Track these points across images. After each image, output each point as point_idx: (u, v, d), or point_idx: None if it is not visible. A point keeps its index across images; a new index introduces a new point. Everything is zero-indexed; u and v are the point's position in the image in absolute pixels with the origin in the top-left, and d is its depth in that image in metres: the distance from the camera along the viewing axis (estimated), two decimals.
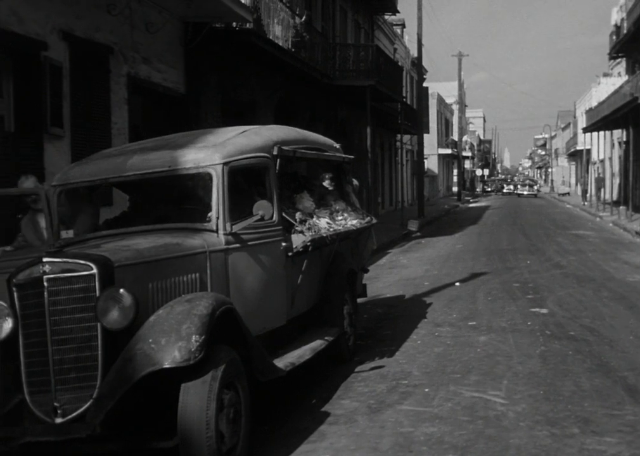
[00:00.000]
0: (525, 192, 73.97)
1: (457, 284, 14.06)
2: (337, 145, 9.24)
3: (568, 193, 71.63)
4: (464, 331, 9.76)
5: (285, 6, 18.83)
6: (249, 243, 6.29)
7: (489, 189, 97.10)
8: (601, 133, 44.53)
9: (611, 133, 45.90)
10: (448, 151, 69.01)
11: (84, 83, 11.53)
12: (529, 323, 10.17)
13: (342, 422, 6.23)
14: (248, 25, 15.67)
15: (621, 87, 33.10)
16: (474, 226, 31.16)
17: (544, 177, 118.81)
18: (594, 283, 13.75)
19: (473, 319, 10.56)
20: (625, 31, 40.07)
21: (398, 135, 41.18)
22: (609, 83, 49.81)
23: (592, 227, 30.02)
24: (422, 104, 37.03)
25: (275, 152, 6.81)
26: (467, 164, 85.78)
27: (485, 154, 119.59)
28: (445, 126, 72.97)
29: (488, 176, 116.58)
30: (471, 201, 62.45)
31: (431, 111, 54.49)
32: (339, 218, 8.26)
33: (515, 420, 6.14)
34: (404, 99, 34.97)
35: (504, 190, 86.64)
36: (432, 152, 60.64)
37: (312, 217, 7.61)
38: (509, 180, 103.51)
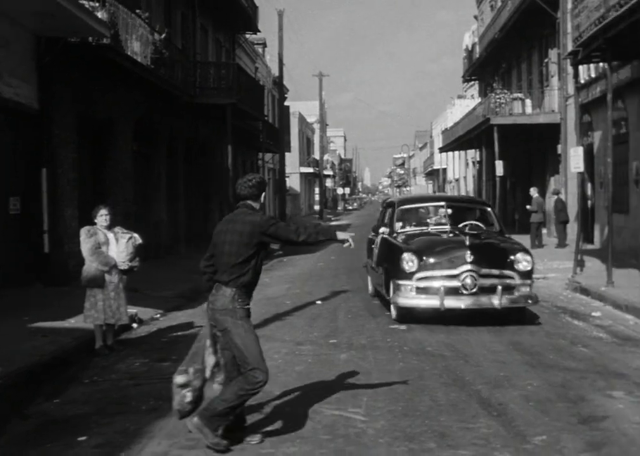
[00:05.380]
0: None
1: (319, 302, 14.16)
2: None
3: None
4: (325, 349, 9.82)
5: (144, 21, 18.55)
6: None
7: (350, 207, 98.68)
8: (456, 153, 46.15)
9: (466, 153, 47.63)
10: (310, 170, 69.77)
11: None
12: (388, 339, 10.35)
13: (201, 446, 6.10)
14: (105, 40, 15.32)
15: (474, 108, 34.43)
16: (335, 244, 31.48)
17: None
18: None
19: (334, 337, 10.65)
20: (477, 56, 41.75)
21: (260, 154, 41.29)
22: (463, 105, 51.74)
23: None
24: (284, 123, 37.31)
25: None
26: (329, 183, 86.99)
27: (346, 173, 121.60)
28: (307, 145, 73.75)
29: (350, 194, 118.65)
30: (332, 219, 63.25)
31: (292, 130, 55.00)
32: None
33: (375, 437, 6.20)
34: (266, 118, 35.12)
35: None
36: (294, 170, 61.11)
37: None
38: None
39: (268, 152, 41.36)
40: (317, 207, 69.52)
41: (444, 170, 67.85)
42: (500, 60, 37.78)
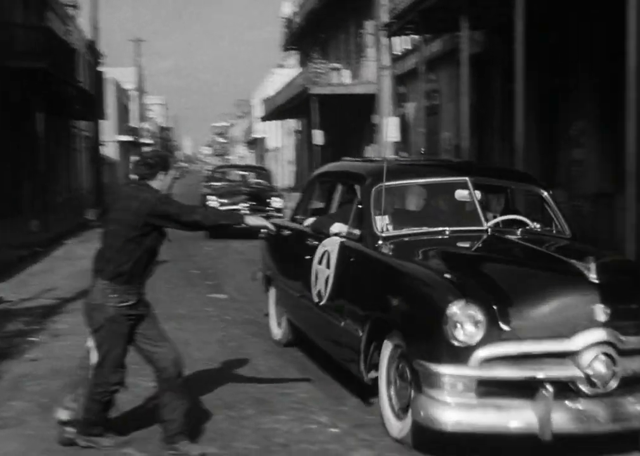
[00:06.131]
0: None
1: None
2: None
3: None
4: None
5: None
6: None
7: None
8: (277, 122, 46.40)
9: (286, 123, 47.98)
10: (128, 138, 68.01)
11: None
12: (208, 309, 10.31)
13: (12, 425, 5.84)
14: None
15: (294, 78, 34.65)
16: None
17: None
18: None
19: (154, 308, 10.43)
20: (296, 25, 41.95)
21: (75, 121, 39.80)
22: (283, 74, 51.94)
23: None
24: (99, 90, 36.06)
25: None
26: (148, 148, 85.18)
27: (166, 142, 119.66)
28: (124, 112, 71.78)
29: None
30: None
31: (109, 97, 53.30)
32: None
33: (194, 406, 6.14)
34: (80, 84, 33.78)
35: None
36: (111, 139, 59.35)
37: None
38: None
39: (83, 120, 39.86)
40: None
41: (265, 139, 68.14)
42: (320, 30, 38.15)
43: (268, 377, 6.95)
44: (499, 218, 6.60)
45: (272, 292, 8.53)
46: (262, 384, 6.72)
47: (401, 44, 24.63)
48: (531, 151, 13.53)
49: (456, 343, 4.77)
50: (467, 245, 6.30)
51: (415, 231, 6.37)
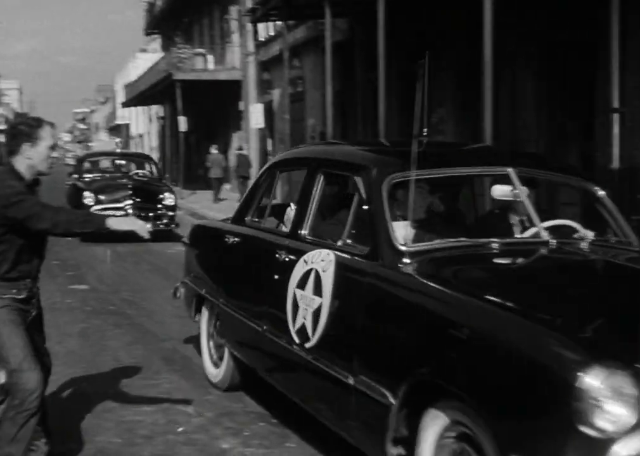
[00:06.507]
0: None
1: None
2: None
3: None
4: None
5: None
6: None
7: None
8: (141, 108, 45.47)
9: (150, 109, 47.13)
10: None
11: None
12: (68, 300, 10.01)
13: None
14: None
15: (157, 63, 34.01)
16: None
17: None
18: (134, 256, 13.96)
19: None
20: (158, 9, 41.19)
21: None
22: (146, 59, 50.87)
23: None
24: None
25: None
26: (3, 139, 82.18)
27: None
28: None
29: None
30: None
31: None
32: None
33: (56, 403, 5.93)
34: None
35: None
36: None
37: None
38: None
39: None
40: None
41: (129, 125, 66.73)
42: (183, 14, 37.56)
43: (131, 368, 6.79)
44: (549, 223, 4.68)
45: (206, 318, 6.46)
46: (125, 376, 6.56)
47: (266, 30, 24.55)
48: (393, 137, 13.75)
49: (592, 433, 2.93)
50: (540, 267, 4.45)
51: (449, 244, 4.40)
